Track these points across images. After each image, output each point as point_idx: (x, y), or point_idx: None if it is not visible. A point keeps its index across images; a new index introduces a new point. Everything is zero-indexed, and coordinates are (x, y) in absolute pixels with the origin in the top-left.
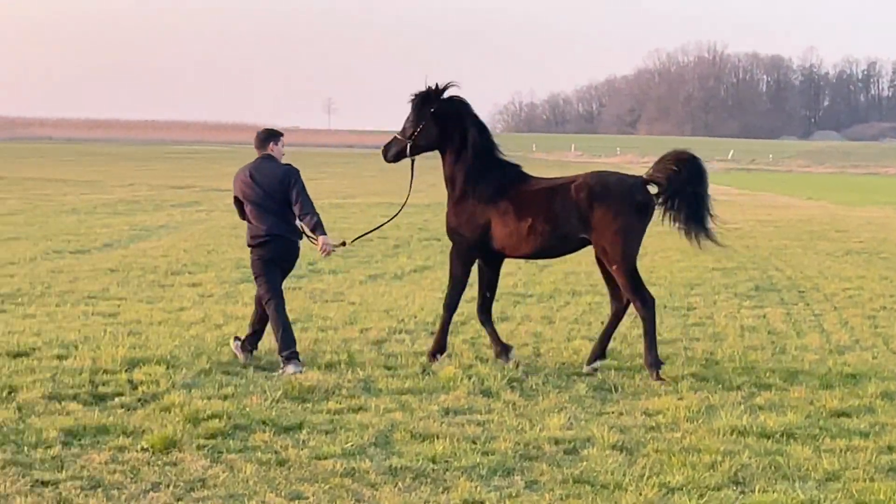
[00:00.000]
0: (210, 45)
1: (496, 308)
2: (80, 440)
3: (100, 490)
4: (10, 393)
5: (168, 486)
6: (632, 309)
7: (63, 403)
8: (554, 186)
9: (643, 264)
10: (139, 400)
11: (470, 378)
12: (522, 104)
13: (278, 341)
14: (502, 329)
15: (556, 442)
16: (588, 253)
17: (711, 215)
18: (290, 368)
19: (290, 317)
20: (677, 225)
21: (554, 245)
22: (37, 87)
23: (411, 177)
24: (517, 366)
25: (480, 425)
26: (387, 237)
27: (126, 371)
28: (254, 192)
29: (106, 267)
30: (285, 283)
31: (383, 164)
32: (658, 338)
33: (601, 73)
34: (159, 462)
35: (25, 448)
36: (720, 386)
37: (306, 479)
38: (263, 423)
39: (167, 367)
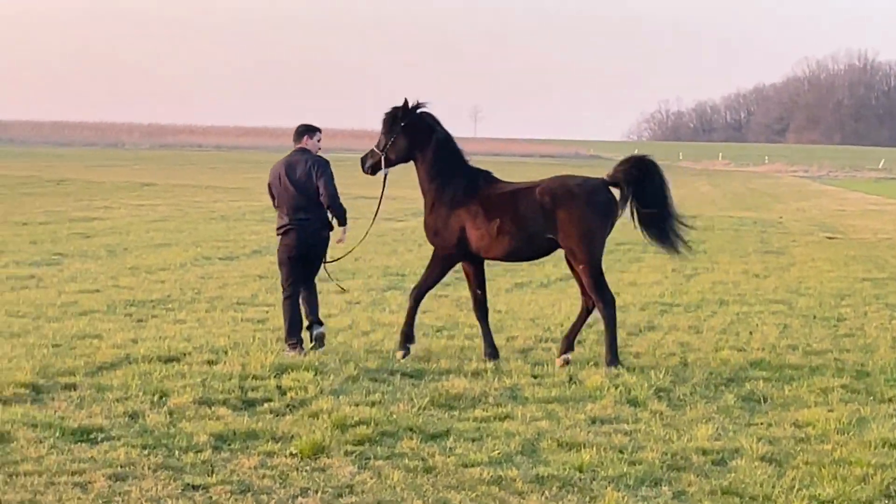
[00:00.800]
0: (357, 52)
1: (642, 317)
2: (230, 445)
3: (249, 495)
4: (161, 397)
5: (316, 491)
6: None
7: (213, 408)
8: (520, 190)
9: (792, 274)
10: (287, 406)
11: (616, 387)
12: (669, 112)
13: (285, 329)
14: (649, 338)
15: (704, 452)
16: (733, 263)
17: (675, 218)
18: (290, 353)
19: (437, 324)
20: (639, 227)
21: (522, 246)
22: (188, 95)
23: (382, 188)
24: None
25: (627, 435)
26: None
27: (275, 377)
28: (283, 182)
29: (255, 273)
30: (432, 291)
31: (530, 173)
32: (808, 348)
33: (749, 80)
34: (308, 468)
35: (176, 452)
36: (871, 398)
37: (453, 487)
38: (410, 429)
39: (315, 374)
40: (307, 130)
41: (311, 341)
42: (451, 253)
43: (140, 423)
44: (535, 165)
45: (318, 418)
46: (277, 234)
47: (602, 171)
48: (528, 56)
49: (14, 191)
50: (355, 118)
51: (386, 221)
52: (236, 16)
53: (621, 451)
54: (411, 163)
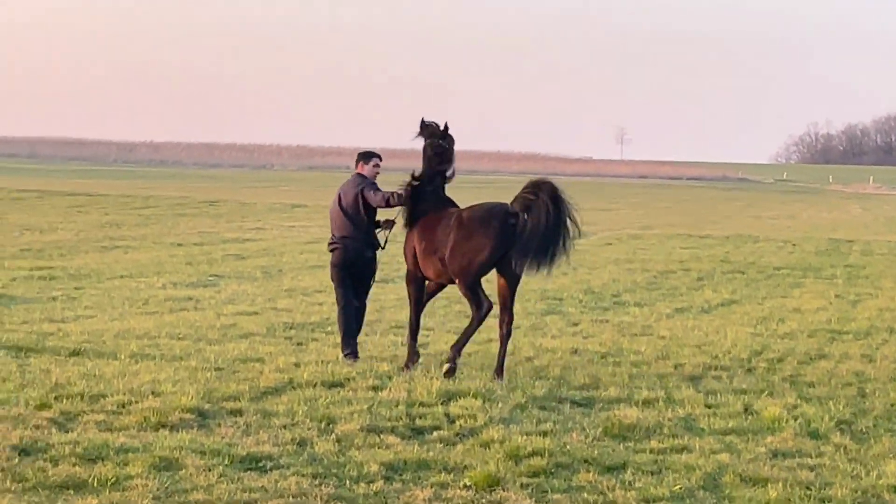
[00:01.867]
0: (499, 75)
1: (812, 345)
2: (401, 475)
3: None
4: (328, 424)
5: None
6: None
7: (382, 436)
8: (445, 215)
9: None
10: (457, 434)
11: (795, 419)
12: (818, 135)
13: (340, 339)
14: (822, 367)
15: None
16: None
17: (567, 237)
18: (347, 362)
19: (601, 350)
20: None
21: (443, 269)
22: (335, 118)
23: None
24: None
25: (812, 470)
26: (689, 269)
27: (442, 404)
28: (337, 204)
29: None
30: (591, 317)
31: (678, 195)
32: None
33: None
34: (483, 500)
35: (348, 482)
36: None
37: None
38: (586, 461)
39: (483, 401)
40: (362, 157)
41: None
42: (411, 273)
43: (309, 451)
44: (681, 188)
45: (489, 448)
46: (330, 251)
47: (748, 196)
48: (674, 78)
49: (168, 211)
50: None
51: None
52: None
53: (808, 488)
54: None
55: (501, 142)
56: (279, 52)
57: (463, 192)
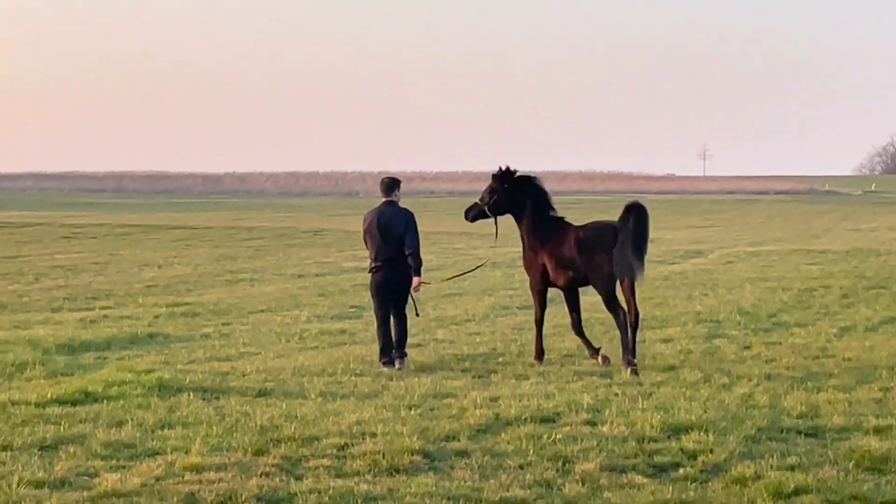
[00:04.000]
0: (582, 94)
1: None
2: None
3: None
4: (564, 464)
5: None
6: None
7: (626, 475)
8: (567, 232)
9: None
10: (702, 471)
11: None
12: None
13: (379, 350)
14: None
15: None
16: None
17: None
18: (385, 370)
19: (794, 374)
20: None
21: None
22: (417, 142)
23: (496, 232)
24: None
25: None
26: (829, 286)
27: (670, 438)
28: (378, 230)
29: (565, 323)
30: (759, 339)
31: (767, 210)
32: None
33: None
34: None
35: None
36: None
37: None
38: (855, 498)
39: (713, 433)
40: (395, 184)
41: (395, 367)
42: (538, 284)
43: (558, 494)
44: (768, 203)
45: (747, 486)
46: (369, 273)
47: (838, 208)
48: (752, 92)
49: (276, 242)
50: (582, 160)
51: (658, 264)
52: (464, 62)
53: None
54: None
55: (584, 161)
56: (357, 78)
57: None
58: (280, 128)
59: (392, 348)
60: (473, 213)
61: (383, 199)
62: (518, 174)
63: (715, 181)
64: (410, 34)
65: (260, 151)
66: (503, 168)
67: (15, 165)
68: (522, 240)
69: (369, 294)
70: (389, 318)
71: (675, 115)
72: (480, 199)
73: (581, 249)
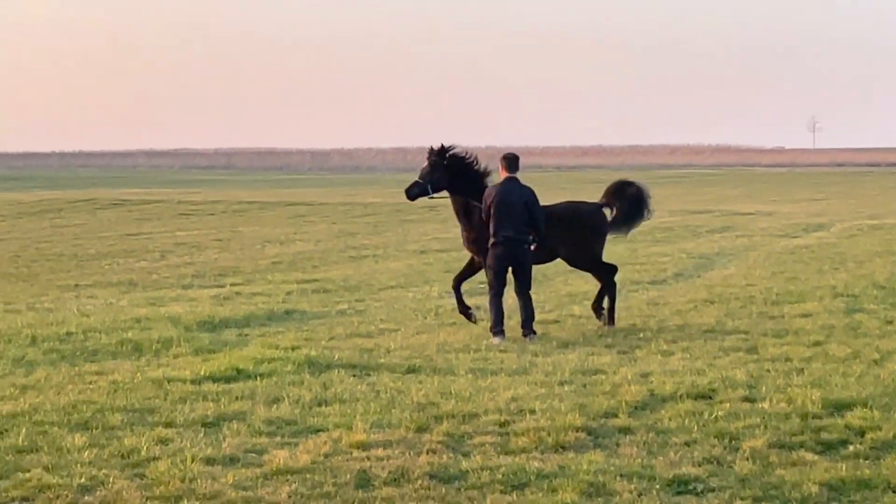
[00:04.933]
0: (691, 67)
1: None
2: (846, 495)
3: None
4: (731, 441)
5: None
6: None
7: (794, 452)
8: None
9: None
10: (871, 448)
11: None
12: None
13: (491, 320)
14: None
15: None
16: None
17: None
18: (495, 340)
19: None
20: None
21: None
22: (527, 115)
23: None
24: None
25: None
26: None
27: (833, 415)
28: (504, 206)
29: (700, 298)
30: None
31: (881, 182)
32: None
33: None
34: None
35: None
36: None
37: None
38: None
39: (871, 410)
40: (518, 161)
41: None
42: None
43: (730, 471)
44: (881, 175)
45: None
46: (489, 247)
47: None
48: (865, 63)
49: (392, 218)
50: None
51: (781, 238)
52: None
53: None
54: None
55: (693, 135)
56: (466, 54)
57: (663, 187)
58: (388, 103)
59: (503, 320)
60: (415, 192)
61: (505, 176)
62: (454, 152)
63: (825, 153)
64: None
65: (367, 127)
66: (442, 146)
67: (126, 143)
68: (462, 218)
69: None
70: (503, 292)
71: (783, 88)
72: (421, 178)
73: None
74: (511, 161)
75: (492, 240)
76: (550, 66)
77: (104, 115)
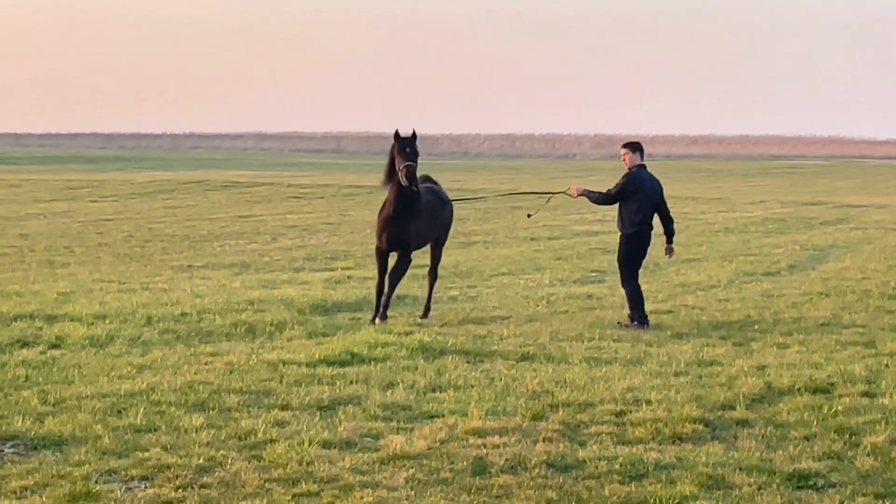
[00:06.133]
0: (802, 56)
1: None
2: None
3: None
4: (851, 436)
5: None
6: None
7: None
8: None
9: None
10: None
11: None
12: None
13: (633, 310)
14: None
15: None
16: None
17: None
18: (638, 327)
19: None
20: None
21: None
22: (634, 104)
23: None
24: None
25: None
26: None
27: None
28: (650, 193)
29: (815, 291)
30: None
31: None
32: None
33: None
34: None
35: None
36: None
37: None
38: None
39: None
40: (643, 149)
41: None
42: None
43: (851, 466)
44: None
45: None
46: (628, 233)
47: None
48: None
49: (502, 204)
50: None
51: (894, 231)
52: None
53: None
54: None
55: (804, 125)
56: (568, 38)
57: (774, 178)
58: (496, 89)
59: (642, 308)
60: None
61: (639, 163)
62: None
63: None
64: None
65: (474, 113)
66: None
67: (236, 125)
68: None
69: (625, 254)
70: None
71: None
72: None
73: None
74: (642, 149)
75: (635, 228)
76: (663, 52)
77: (214, 97)
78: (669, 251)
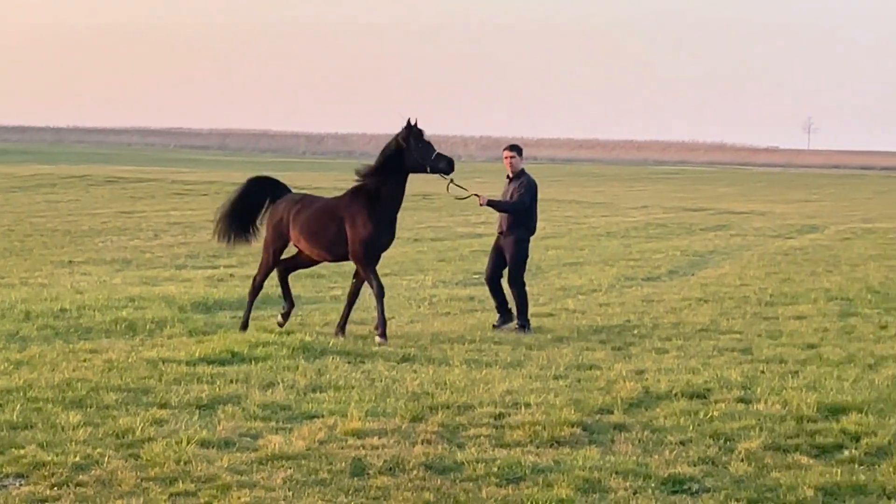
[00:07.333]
0: (686, 63)
1: None
2: (840, 500)
3: None
4: (726, 441)
5: None
6: None
7: (790, 455)
8: None
9: None
10: (866, 454)
11: None
12: None
13: (520, 315)
14: None
15: None
16: None
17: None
18: (520, 331)
19: None
20: None
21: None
22: (522, 108)
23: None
24: None
25: None
26: None
27: (828, 419)
28: (536, 196)
29: (694, 296)
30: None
31: (875, 186)
32: None
33: None
34: None
35: None
36: None
37: None
38: None
39: (866, 415)
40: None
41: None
42: None
43: (725, 472)
44: (875, 179)
45: None
46: (523, 237)
47: None
48: (862, 66)
49: None
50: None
51: (774, 238)
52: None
53: None
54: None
55: (687, 131)
56: (461, 41)
57: (658, 183)
58: (383, 90)
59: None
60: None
61: (522, 166)
62: None
63: (819, 155)
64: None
65: (360, 113)
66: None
67: (120, 120)
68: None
69: (520, 258)
70: None
71: (780, 88)
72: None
73: None
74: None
75: (531, 232)
76: (547, 58)
77: (99, 92)
78: (483, 201)
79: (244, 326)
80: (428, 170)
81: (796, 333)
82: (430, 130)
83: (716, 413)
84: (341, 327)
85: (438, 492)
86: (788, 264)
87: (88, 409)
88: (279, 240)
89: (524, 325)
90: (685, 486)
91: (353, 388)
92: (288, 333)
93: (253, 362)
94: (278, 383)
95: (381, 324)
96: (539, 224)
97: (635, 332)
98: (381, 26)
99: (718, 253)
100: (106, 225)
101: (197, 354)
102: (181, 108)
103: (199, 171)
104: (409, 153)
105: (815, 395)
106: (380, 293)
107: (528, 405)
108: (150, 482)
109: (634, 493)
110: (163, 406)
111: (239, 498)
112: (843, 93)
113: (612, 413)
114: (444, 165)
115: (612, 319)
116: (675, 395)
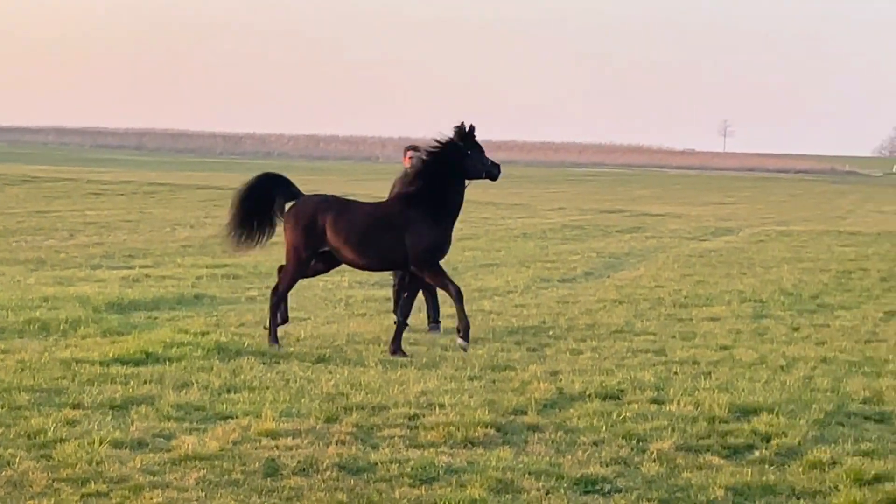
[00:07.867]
0: (603, 66)
1: None
2: (751, 500)
3: None
4: (638, 442)
5: None
6: None
7: (701, 456)
8: None
9: None
10: (777, 454)
11: None
12: None
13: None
14: None
15: None
16: None
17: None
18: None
19: (851, 358)
20: None
21: None
22: (432, 109)
23: None
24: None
25: None
26: (867, 269)
27: (739, 420)
28: None
29: (609, 298)
30: (807, 321)
31: (789, 189)
32: None
33: None
34: None
35: None
36: None
37: None
38: None
39: (777, 416)
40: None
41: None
42: None
43: (637, 472)
44: (789, 181)
45: (825, 470)
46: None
47: (860, 189)
48: (773, 70)
49: None
50: (599, 133)
51: (689, 241)
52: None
53: None
54: None
55: (604, 134)
56: (379, 43)
57: (575, 185)
58: (301, 91)
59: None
60: None
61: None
62: None
63: (735, 158)
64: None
65: (279, 113)
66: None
67: (36, 119)
68: None
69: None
70: None
71: (696, 91)
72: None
73: None
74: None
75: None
76: (463, 58)
77: (14, 90)
78: None
79: (275, 339)
80: (483, 176)
81: (710, 335)
82: (350, 130)
83: (629, 414)
84: (435, 321)
85: (352, 492)
86: (703, 266)
87: (0, 409)
88: (312, 245)
89: (437, 324)
90: (597, 487)
91: (267, 388)
92: (203, 334)
93: (167, 363)
94: (192, 384)
95: (464, 327)
96: (456, 225)
97: (550, 333)
98: (299, 27)
99: (634, 255)
100: (20, 224)
101: (111, 355)
102: (98, 107)
103: (116, 171)
104: (471, 161)
105: (727, 396)
106: (458, 295)
107: (442, 406)
108: (62, 483)
109: (547, 494)
110: (76, 406)
111: (151, 499)
112: (759, 96)
113: (525, 414)
114: (496, 172)
115: (528, 321)
116: (589, 395)
